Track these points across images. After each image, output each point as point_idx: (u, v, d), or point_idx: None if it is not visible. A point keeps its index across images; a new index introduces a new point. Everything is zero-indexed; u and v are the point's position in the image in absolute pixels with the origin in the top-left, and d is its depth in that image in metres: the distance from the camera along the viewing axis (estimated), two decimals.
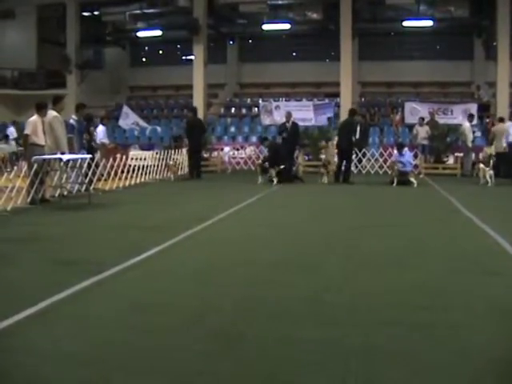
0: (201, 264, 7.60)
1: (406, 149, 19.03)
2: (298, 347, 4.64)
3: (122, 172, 17.97)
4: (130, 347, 4.65)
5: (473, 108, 24.86)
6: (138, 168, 19.26)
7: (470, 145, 21.85)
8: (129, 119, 27.22)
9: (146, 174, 19.48)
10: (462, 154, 22.32)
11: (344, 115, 26.79)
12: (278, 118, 22.84)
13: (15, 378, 4.12)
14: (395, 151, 19.79)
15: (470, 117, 22.83)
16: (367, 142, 23.91)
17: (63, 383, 4.01)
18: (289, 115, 21.36)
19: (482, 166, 18.38)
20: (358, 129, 22.42)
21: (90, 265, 7.38)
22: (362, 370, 4.19)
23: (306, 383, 3.99)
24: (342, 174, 18.88)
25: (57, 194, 14.38)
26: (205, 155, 22.12)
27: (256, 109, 30.91)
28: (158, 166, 20.27)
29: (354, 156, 21.10)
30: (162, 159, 20.53)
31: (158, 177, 20.00)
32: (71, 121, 15.85)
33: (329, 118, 26.13)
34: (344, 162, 18.98)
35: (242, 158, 24.96)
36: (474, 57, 32.02)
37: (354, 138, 20.86)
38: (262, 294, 6.14)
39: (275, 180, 18.33)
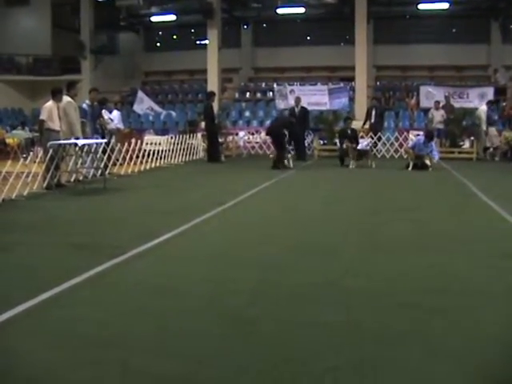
0: (217, 248, 7.62)
1: (435, 140, 18.66)
2: (314, 331, 4.64)
3: (137, 157, 18.00)
4: (146, 330, 4.68)
5: (489, 92, 24.56)
6: (153, 153, 19.30)
7: (484, 128, 21.70)
8: (143, 104, 27.13)
9: (160, 158, 19.50)
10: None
11: (359, 99, 26.76)
12: (293, 102, 22.71)
13: (30, 359, 4.15)
14: (411, 136, 19.60)
15: (490, 103, 22.63)
16: (382, 125, 23.74)
17: (79, 365, 4.04)
18: (298, 100, 21.39)
19: None
20: (374, 113, 22.40)
21: (105, 249, 7.42)
22: (378, 353, 4.19)
23: (323, 367, 3.98)
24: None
25: (72, 179, 14.46)
26: (220, 140, 22.05)
27: (271, 93, 30.75)
28: (173, 150, 20.26)
29: (370, 140, 20.98)
30: (177, 144, 20.52)
31: (172, 161, 20.00)
32: (84, 105, 15.87)
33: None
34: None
35: (257, 143, 24.89)
36: (490, 40, 31.64)
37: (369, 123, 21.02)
38: (279, 278, 6.15)
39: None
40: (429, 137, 18.04)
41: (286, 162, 18.33)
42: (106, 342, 4.43)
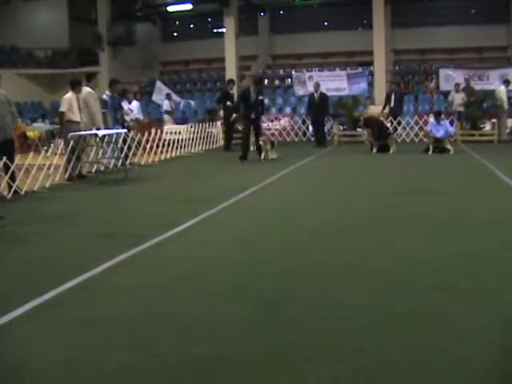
0: (240, 233, 7.65)
1: (443, 117, 18.69)
2: (341, 313, 4.66)
3: (158, 146, 18.05)
4: (173, 315, 4.71)
5: (510, 73, 24.31)
6: (173, 142, 19.35)
7: (506, 107, 21.48)
8: (162, 94, 27.24)
9: (181, 147, 19.55)
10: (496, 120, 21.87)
11: (378, 84, 26.59)
12: (312, 88, 22.66)
13: (64, 344, 4.21)
14: (431, 119, 19.48)
15: (506, 82, 22.40)
16: (402, 110, 23.57)
17: (111, 350, 4.09)
18: (317, 85, 21.35)
19: None
20: (393, 97, 22.25)
21: (129, 237, 7.46)
22: (405, 335, 4.20)
23: (351, 348, 4.00)
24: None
25: (94, 170, 14.54)
26: (239, 127, 22.06)
27: (289, 80, 30.69)
28: (192, 139, 20.31)
29: (389, 124, 20.91)
30: (197, 132, 20.56)
31: (193, 150, 20.04)
32: (104, 96, 15.93)
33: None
34: None
35: (276, 130, 24.84)
36: (510, 20, 31.25)
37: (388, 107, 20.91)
38: (304, 261, 6.17)
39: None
40: (436, 115, 18.41)
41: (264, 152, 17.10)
42: (135, 327, 4.48)
